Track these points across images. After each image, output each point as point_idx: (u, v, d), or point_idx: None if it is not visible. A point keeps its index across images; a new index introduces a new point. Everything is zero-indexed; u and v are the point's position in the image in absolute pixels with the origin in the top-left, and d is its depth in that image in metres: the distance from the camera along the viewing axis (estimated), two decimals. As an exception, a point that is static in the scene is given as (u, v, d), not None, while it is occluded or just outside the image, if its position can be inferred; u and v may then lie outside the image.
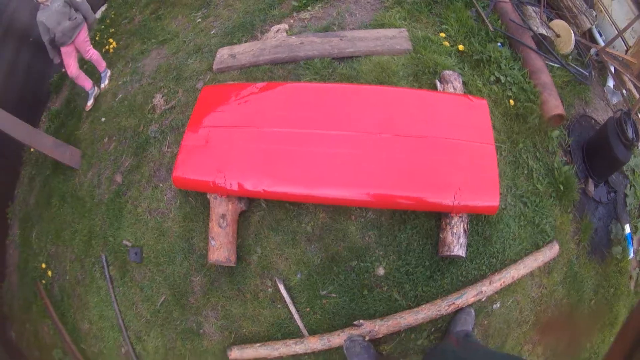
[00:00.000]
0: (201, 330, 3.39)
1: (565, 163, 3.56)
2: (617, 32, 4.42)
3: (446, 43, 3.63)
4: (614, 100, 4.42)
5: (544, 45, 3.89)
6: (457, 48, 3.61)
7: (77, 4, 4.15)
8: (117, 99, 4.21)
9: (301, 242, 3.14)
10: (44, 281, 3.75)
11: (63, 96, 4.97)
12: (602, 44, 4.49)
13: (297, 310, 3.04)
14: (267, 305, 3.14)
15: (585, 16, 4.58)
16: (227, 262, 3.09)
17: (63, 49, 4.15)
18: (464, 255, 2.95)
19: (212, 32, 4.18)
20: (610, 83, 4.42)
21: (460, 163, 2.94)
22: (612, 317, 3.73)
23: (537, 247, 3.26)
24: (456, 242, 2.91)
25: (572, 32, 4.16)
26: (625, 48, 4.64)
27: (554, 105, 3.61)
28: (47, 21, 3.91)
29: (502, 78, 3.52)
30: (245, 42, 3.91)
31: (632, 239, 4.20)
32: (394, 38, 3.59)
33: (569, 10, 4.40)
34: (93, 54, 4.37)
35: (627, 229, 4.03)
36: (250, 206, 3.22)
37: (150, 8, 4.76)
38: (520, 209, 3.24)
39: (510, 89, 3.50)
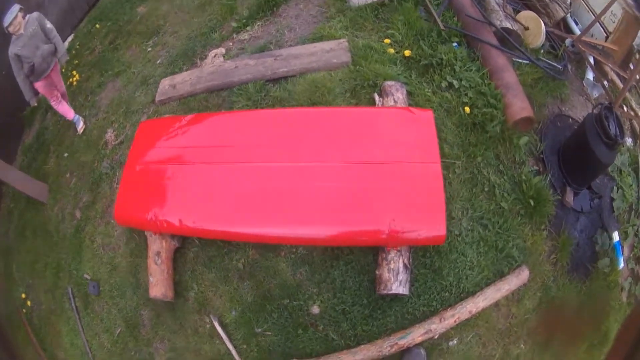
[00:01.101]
0: (153, 362, 2.68)
1: (536, 173, 2.27)
2: (594, 18, 3.08)
3: (391, 50, 2.43)
4: (595, 93, 2.88)
5: (509, 40, 2.53)
6: (403, 54, 2.40)
7: (48, 30, 2.96)
8: (77, 133, 3.30)
9: (233, 280, 2.24)
10: (24, 310, 3.10)
11: (34, 130, 3.87)
12: (578, 32, 3.04)
13: (235, 347, 2.21)
14: (206, 341, 2.31)
15: (558, 4, 3.15)
16: (164, 297, 2.31)
17: (41, 83, 3.04)
18: (405, 292, 1.89)
19: (158, 61, 3.24)
20: (590, 75, 2.87)
21: (396, 188, 1.88)
22: (601, 335, 2.47)
23: (501, 275, 2.08)
24: (394, 279, 1.85)
25: (542, 23, 2.76)
26: (605, 35, 3.27)
27: (520, 107, 2.27)
28: (22, 51, 2.80)
29: (456, 83, 2.26)
30: (186, 70, 2.96)
31: (622, 247, 2.92)
32: (332, 51, 2.47)
33: (538, -1, 3.12)
34: (64, 96, 3.23)
35: (616, 236, 2.54)
36: (185, 243, 2.36)
37: (109, 38, 3.77)
38: (480, 233, 2.06)
39: (466, 94, 2.24)
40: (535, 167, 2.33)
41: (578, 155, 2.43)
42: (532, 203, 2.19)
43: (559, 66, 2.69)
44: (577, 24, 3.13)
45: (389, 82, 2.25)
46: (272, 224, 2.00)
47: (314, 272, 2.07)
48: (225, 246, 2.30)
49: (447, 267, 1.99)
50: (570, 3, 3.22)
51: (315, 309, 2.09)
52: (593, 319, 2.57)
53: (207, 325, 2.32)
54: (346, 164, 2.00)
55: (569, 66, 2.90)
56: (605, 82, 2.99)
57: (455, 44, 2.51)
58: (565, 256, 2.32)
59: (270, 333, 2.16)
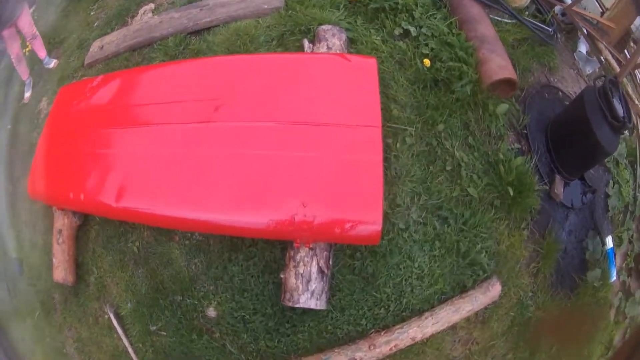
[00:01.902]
0: (64, 350, 2.05)
1: (518, 152, 1.38)
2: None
3: None
4: (588, 69, 1.92)
5: None
6: None
7: None
8: (22, 102, 2.43)
9: (129, 265, 1.49)
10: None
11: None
12: (568, 1, 1.98)
13: (131, 344, 1.51)
14: (106, 333, 1.59)
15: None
16: (64, 281, 1.63)
17: (5, 32, 2.27)
18: (318, 307, 1.05)
19: (95, 24, 2.44)
20: (583, 48, 1.92)
21: (313, 159, 1.01)
22: (583, 361, 1.56)
23: (463, 289, 1.19)
24: (303, 287, 1.01)
25: (529, -24, 1.96)
26: (600, 10, 2.39)
27: (499, 65, 1.37)
28: None
29: (414, 30, 1.38)
30: (118, 30, 2.13)
31: (615, 256, 2.05)
32: None
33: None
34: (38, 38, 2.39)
35: (609, 242, 1.61)
36: (87, 220, 1.63)
37: (62, 5, 2.85)
38: (435, 229, 1.18)
39: (427, 45, 1.36)
40: (517, 145, 1.42)
41: (573, 135, 1.48)
42: (512, 192, 1.26)
43: (548, 29, 1.84)
44: (568, -9, 2.28)
45: (324, 27, 1.37)
46: (158, 200, 1.17)
47: (210, 264, 1.25)
48: (122, 225, 1.51)
49: (384, 274, 1.11)
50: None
51: (212, 312, 1.26)
52: (575, 343, 1.72)
53: (106, 316, 1.59)
54: (254, 122, 1.11)
55: (559, 35, 2.05)
56: (602, 58, 2.12)
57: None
58: (549, 265, 1.38)
59: (164, 333, 1.39)
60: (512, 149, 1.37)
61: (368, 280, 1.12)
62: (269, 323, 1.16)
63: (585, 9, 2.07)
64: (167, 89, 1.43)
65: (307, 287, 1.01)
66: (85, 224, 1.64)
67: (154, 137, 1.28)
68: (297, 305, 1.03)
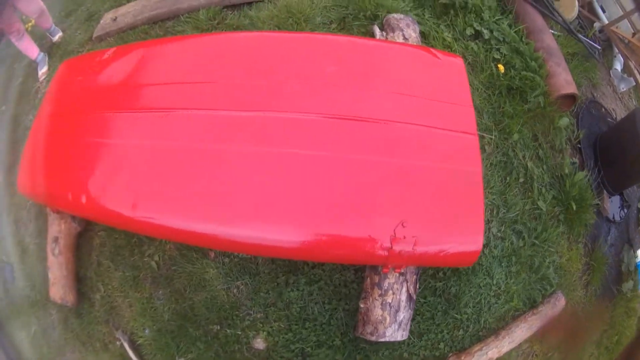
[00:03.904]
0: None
1: (575, 166, 1.41)
2: (622, 13, 2.23)
3: None
4: (622, 87, 2.09)
5: (548, 2, 1.59)
6: None
7: None
8: (37, 84, 1.98)
9: (146, 284, 1.28)
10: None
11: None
12: (605, 20, 2.03)
13: None
14: None
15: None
16: (63, 302, 1.32)
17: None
18: (403, 338, 0.94)
19: None
20: (618, 66, 1.97)
21: (408, 169, 0.87)
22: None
23: (533, 304, 1.19)
24: (391, 319, 0.89)
25: (576, -7, 2.00)
26: (632, 31, 2.51)
27: (565, 80, 1.39)
28: None
29: (486, 33, 1.34)
30: (136, 0, 1.82)
31: None
32: None
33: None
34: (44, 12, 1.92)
35: (639, 255, 1.79)
36: (90, 224, 1.35)
37: None
38: (512, 243, 1.16)
39: (498, 49, 1.33)
40: (574, 160, 1.55)
41: (623, 152, 1.59)
42: (574, 206, 1.31)
43: (597, 46, 1.91)
44: (603, 11, 2.37)
45: (395, 15, 1.25)
46: (192, 212, 0.93)
47: (259, 289, 1.08)
48: (136, 234, 1.26)
49: (467, 294, 1.06)
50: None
51: (260, 344, 1.10)
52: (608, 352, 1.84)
53: (118, 343, 1.33)
54: (330, 118, 0.95)
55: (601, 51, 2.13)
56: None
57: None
58: (598, 277, 1.44)
59: None
60: (573, 163, 1.40)
61: (450, 301, 1.06)
62: (336, 356, 1.04)
63: (617, 27, 2.18)
64: (201, 66, 1.15)
65: (394, 318, 0.91)
66: (88, 230, 1.37)
67: (187, 126, 1.03)
68: (381, 340, 0.92)
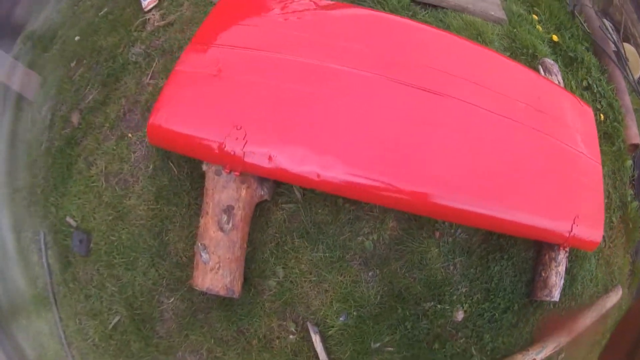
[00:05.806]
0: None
1: (632, 198, 1.99)
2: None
3: (539, 27, 1.90)
4: None
5: (625, 65, 2.10)
6: (551, 37, 1.89)
7: None
8: (101, 13, 1.88)
9: (353, 265, 1.28)
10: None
11: (44, 16, 2.16)
12: None
13: None
14: None
15: None
16: (226, 292, 1.18)
17: None
18: (559, 299, 1.37)
19: None
20: None
21: (576, 180, 1.32)
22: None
23: (605, 292, 1.67)
24: (558, 284, 1.33)
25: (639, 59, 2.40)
26: None
27: (635, 133, 1.94)
28: None
29: (594, 87, 1.85)
30: None
31: None
32: (486, 1, 1.84)
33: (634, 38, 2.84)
34: None
35: None
36: (275, 194, 1.27)
37: None
38: (601, 244, 1.61)
39: (600, 102, 1.84)
40: (632, 192, 2.09)
41: None
42: (630, 225, 1.91)
43: None
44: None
45: (548, 60, 1.69)
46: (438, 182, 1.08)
47: (470, 265, 1.32)
48: (350, 209, 1.25)
49: (580, 275, 1.50)
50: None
51: (460, 315, 1.32)
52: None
53: (291, 337, 1.29)
54: (515, 121, 1.27)
55: None
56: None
57: (584, 48, 2.11)
58: (636, 282, 2.09)
59: (392, 349, 1.27)
60: (631, 194, 1.90)
61: (572, 279, 1.48)
62: (513, 319, 1.37)
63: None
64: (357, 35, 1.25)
65: (559, 283, 1.34)
66: (268, 201, 1.23)
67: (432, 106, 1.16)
68: (552, 299, 1.32)
